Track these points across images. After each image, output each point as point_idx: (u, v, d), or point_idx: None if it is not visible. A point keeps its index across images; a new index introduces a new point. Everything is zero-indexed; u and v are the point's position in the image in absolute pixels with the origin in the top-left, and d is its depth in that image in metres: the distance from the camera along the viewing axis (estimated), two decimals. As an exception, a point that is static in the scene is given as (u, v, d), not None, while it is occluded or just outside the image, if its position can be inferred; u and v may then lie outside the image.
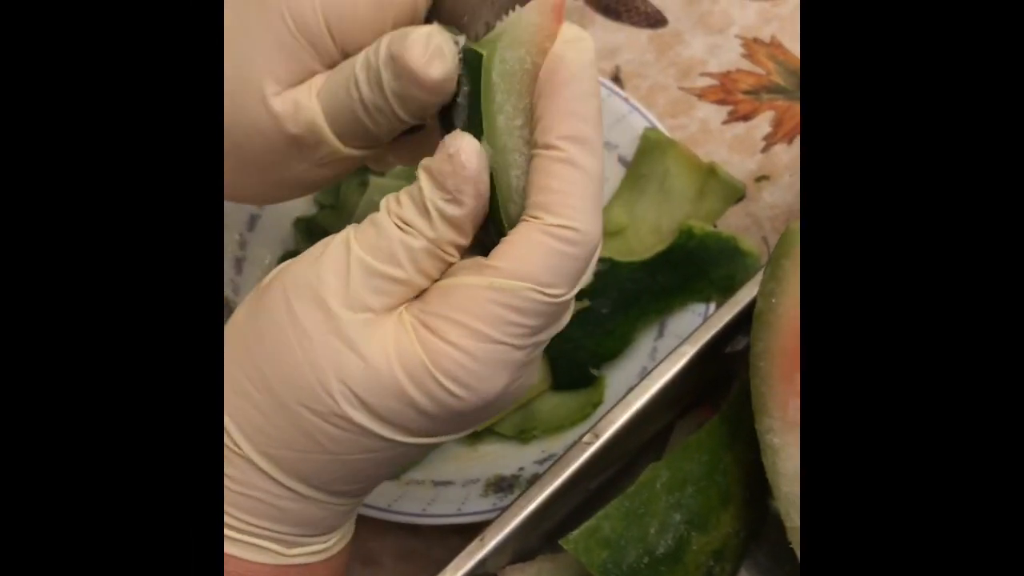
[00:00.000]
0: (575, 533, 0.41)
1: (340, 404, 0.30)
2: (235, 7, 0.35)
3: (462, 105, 0.33)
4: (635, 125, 0.55)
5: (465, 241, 0.32)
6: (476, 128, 0.32)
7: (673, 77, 0.63)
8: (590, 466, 0.43)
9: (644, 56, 0.64)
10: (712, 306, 0.50)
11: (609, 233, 0.54)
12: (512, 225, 0.32)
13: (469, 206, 0.31)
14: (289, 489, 0.32)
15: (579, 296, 0.51)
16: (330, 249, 0.32)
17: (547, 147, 0.31)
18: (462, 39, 0.33)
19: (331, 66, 0.35)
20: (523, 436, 0.50)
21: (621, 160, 0.56)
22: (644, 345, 0.51)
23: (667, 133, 0.55)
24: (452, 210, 0.31)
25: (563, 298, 0.31)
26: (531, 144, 0.32)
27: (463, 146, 0.31)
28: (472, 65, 0.32)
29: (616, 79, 0.63)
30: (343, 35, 0.34)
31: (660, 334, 0.51)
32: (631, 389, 0.44)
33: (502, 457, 0.49)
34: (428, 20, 0.34)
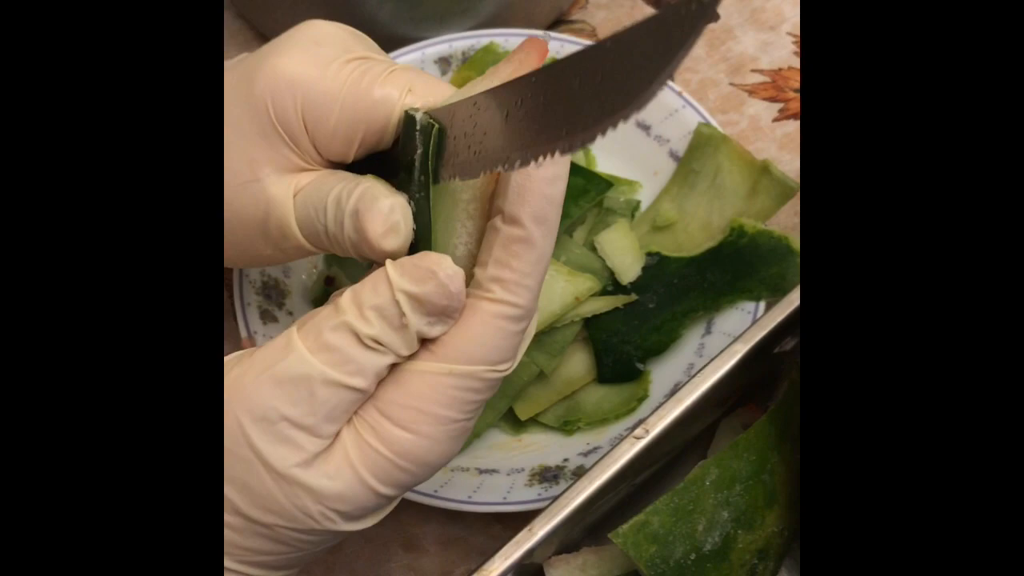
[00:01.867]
0: (624, 527, 0.41)
1: (320, 522, 0.32)
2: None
3: (415, 166, 0.34)
4: (687, 120, 0.55)
5: None
6: (422, 188, 0.33)
7: (724, 73, 0.62)
8: (639, 461, 0.43)
9: (695, 51, 0.63)
10: (762, 305, 0.50)
11: (658, 228, 0.54)
12: None
13: (451, 325, 0.33)
14: None
15: (627, 290, 0.51)
16: (286, 373, 0.31)
17: (513, 222, 0.32)
18: (420, 112, 0.34)
19: (311, 162, 0.37)
20: (567, 428, 0.50)
21: (672, 155, 0.55)
22: (691, 341, 0.51)
23: (720, 129, 0.54)
24: (437, 331, 0.32)
25: (511, 369, 0.34)
26: (480, 215, 0.34)
27: (459, 282, 0.32)
28: (426, 132, 0.33)
29: (666, 73, 0.62)
30: (317, 139, 0.36)
31: (708, 331, 0.51)
32: (681, 385, 0.44)
33: (546, 447, 0.49)
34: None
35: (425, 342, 0.33)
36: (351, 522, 0.33)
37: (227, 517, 0.32)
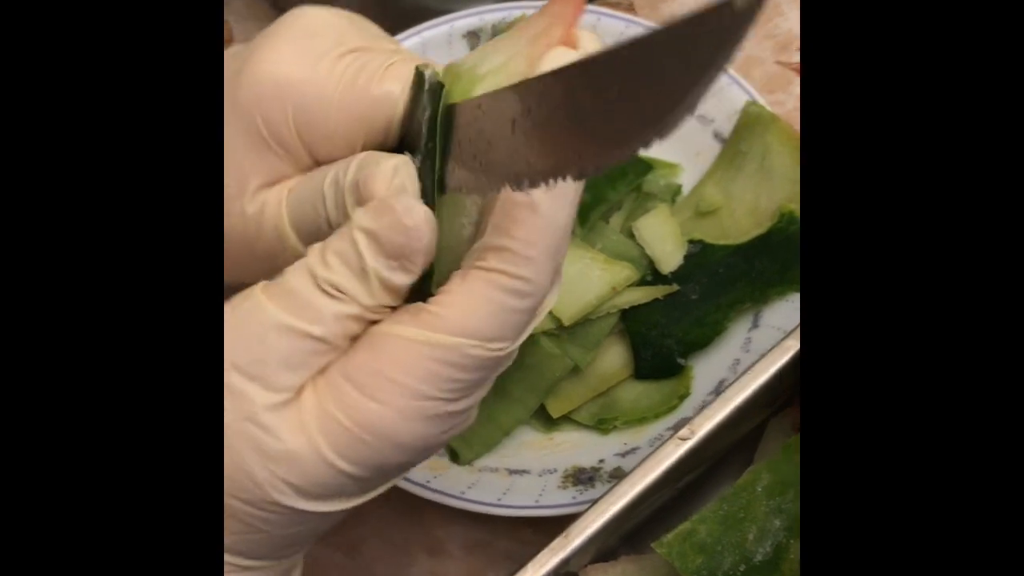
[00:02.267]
0: (669, 536, 0.38)
1: (269, 492, 0.28)
2: None
3: (422, 130, 0.30)
4: (734, 98, 0.51)
5: (398, 303, 0.29)
6: (432, 155, 0.30)
7: (770, 51, 0.59)
8: (683, 464, 0.40)
9: (738, 27, 0.60)
10: (813, 297, 0.47)
11: (701, 213, 0.50)
12: (450, 271, 0.30)
13: (416, 275, 0.29)
14: (228, 563, 0.30)
15: (668, 279, 0.48)
16: (240, 319, 0.29)
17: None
18: (429, 70, 0.30)
19: (303, 170, 0.33)
20: (602, 426, 0.47)
21: (716, 135, 0.52)
22: (737, 335, 0.48)
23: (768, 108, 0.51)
24: (399, 279, 0.29)
25: (508, 351, 0.30)
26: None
27: (417, 216, 0.28)
28: (435, 93, 0.30)
29: (708, 50, 0.59)
30: (314, 145, 0.33)
31: (755, 324, 0.48)
32: (727, 382, 0.41)
33: (580, 447, 0.46)
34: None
35: (408, 307, 0.29)
36: (308, 500, 0.29)
37: None
